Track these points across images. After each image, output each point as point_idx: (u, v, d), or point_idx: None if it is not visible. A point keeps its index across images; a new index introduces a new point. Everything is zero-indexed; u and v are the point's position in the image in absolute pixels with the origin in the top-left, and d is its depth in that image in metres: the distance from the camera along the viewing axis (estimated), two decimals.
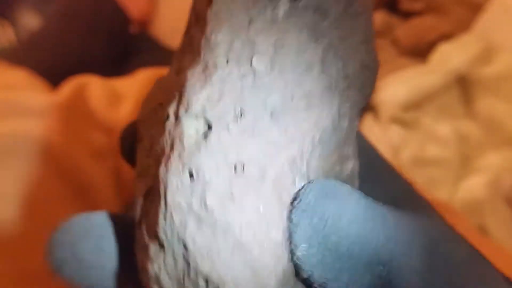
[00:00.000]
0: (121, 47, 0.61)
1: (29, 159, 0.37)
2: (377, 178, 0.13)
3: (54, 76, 0.50)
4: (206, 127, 0.10)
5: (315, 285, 0.10)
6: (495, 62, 0.48)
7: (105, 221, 0.12)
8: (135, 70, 0.57)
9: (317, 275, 0.10)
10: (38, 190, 0.35)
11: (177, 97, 0.11)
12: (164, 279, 0.10)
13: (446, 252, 0.10)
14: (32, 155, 0.37)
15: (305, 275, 0.10)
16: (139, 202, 0.11)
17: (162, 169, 0.10)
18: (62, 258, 0.11)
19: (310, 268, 0.10)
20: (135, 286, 0.11)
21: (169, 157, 0.10)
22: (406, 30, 0.56)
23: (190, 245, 0.10)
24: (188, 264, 0.10)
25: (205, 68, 0.11)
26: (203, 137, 0.10)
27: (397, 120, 0.48)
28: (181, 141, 0.10)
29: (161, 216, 0.10)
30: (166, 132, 0.11)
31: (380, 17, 0.57)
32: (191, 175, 0.10)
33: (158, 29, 0.66)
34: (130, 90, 0.44)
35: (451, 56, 0.49)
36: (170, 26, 0.66)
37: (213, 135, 0.10)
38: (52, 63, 0.54)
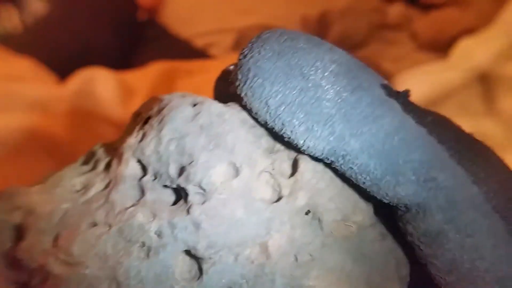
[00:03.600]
0: (129, 34, 0.59)
1: (34, 154, 0.36)
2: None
3: (60, 63, 0.49)
4: None
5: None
6: None
7: None
8: (143, 59, 0.56)
9: None
10: None
11: None
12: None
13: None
14: (37, 149, 0.37)
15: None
16: None
17: None
18: None
19: None
20: None
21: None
22: (425, 23, 0.53)
23: None
24: None
25: None
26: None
27: None
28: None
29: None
30: None
31: (398, 9, 0.55)
32: None
33: (167, 16, 0.65)
34: (142, 83, 0.43)
35: (473, 52, 0.47)
36: (179, 13, 0.64)
37: None
38: (58, 50, 0.53)
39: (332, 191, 0.13)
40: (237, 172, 0.12)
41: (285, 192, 0.12)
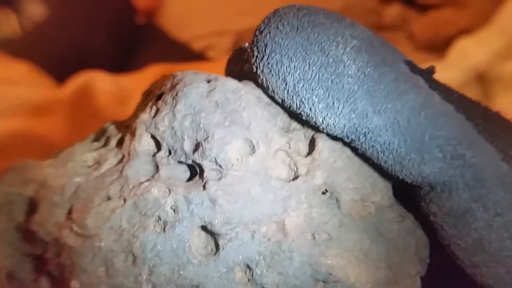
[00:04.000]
0: (127, 37, 0.60)
1: (32, 157, 0.36)
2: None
3: (58, 67, 0.49)
4: None
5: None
6: None
7: None
8: (141, 61, 0.56)
9: None
10: None
11: None
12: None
13: None
14: (35, 152, 0.37)
15: None
16: None
17: None
18: None
19: None
20: None
21: None
22: (422, 24, 0.54)
23: None
24: None
25: None
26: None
27: None
28: None
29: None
30: None
31: (395, 10, 0.55)
32: None
33: (165, 19, 0.65)
34: (139, 86, 0.43)
35: (470, 52, 0.47)
36: (177, 16, 0.64)
37: None
38: (56, 53, 0.53)
39: (350, 170, 0.12)
40: (253, 149, 0.12)
41: (302, 171, 0.12)
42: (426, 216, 0.12)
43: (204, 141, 0.12)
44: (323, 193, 0.12)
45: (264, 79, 0.12)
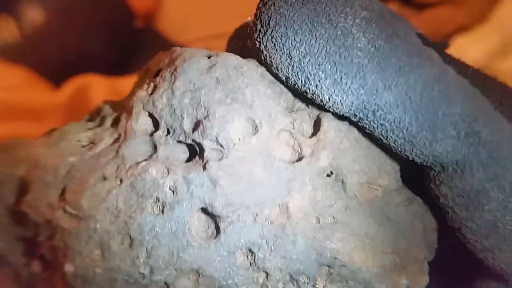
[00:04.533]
0: (125, 41, 0.60)
1: None
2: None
3: (57, 72, 0.49)
4: None
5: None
6: None
7: None
8: (139, 65, 0.56)
9: None
10: None
11: None
12: None
13: None
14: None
15: None
16: None
17: None
18: None
19: None
20: None
21: None
22: (420, 22, 0.53)
23: None
24: None
25: None
26: None
27: None
28: None
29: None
30: None
31: (392, 9, 0.55)
32: None
33: (163, 23, 0.65)
34: None
35: (467, 50, 0.47)
36: (175, 19, 0.64)
37: None
38: (55, 59, 0.54)
39: (356, 151, 0.12)
40: (255, 129, 0.12)
41: (306, 152, 0.12)
42: (436, 199, 0.12)
43: (205, 119, 0.12)
44: (328, 175, 0.12)
45: (267, 55, 0.12)
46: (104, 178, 0.12)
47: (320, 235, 0.11)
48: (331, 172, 0.12)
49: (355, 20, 0.11)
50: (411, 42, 0.11)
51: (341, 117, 0.12)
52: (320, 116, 0.12)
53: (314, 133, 0.12)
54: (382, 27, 0.11)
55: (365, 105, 0.11)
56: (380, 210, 0.12)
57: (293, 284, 0.12)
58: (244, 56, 0.13)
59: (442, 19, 0.53)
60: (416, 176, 0.12)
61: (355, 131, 0.12)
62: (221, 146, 0.11)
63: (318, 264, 0.12)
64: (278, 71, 0.12)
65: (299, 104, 0.13)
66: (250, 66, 0.12)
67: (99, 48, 0.58)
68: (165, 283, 0.11)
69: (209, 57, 0.12)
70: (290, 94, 0.12)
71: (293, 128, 0.12)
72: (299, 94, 0.12)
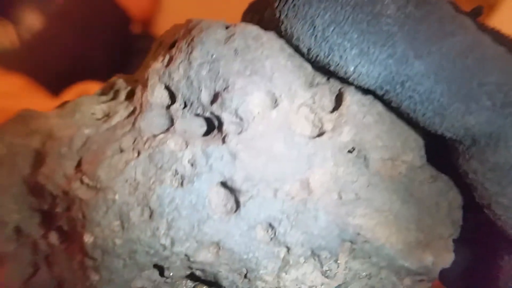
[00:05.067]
0: (123, 46, 0.60)
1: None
2: None
3: (54, 79, 0.50)
4: None
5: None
6: None
7: None
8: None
9: None
10: None
11: None
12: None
13: None
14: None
15: None
16: None
17: None
18: None
19: None
20: None
21: None
22: None
23: None
24: None
25: None
26: None
27: None
28: None
29: None
30: None
31: None
32: None
33: (160, 28, 0.65)
34: None
35: None
36: (172, 25, 0.64)
37: None
38: (52, 65, 0.54)
39: (380, 127, 0.12)
40: (275, 102, 0.11)
41: (327, 127, 0.12)
42: (464, 175, 0.11)
43: (224, 91, 0.11)
44: (350, 151, 0.12)
45: (288, 25, 0.11)
46: (121, 150, 0.12)
47: (342, 210, 0.11)
48: (353, 148, 0.12)
49: None
50: (443, 8, 0.10)
51: (364, 91, 0.12)
52: (342, 90, 0.12)
53: (335, 108, 0.12)
54: None
55: (393, 76, 0.10)
56: (404, 187, 0.12)
57: (315, 260, 0.11)
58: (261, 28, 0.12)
59: None
60: (441, 153, 0.12)
61: (378, 105, 0.12)
62: (241, 119, 0.11)
63: (341, 240, 0.11)
64: (299, 42, 0.11)
65: (320, 78, 0.12)
66: (270, 37, 0.12)
67: (96, 53, 0.58)
68: (186, 255, 0.11)
69: (227, 28, 0.12)
70: (310, 68, 0.12)
71: (314, 102, 0.12)
72: (320, 68, 0.12)
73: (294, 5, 0.11)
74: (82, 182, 0.11)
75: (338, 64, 0.11)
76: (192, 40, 0.12)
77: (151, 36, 0.66)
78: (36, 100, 0.44)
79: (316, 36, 0.11)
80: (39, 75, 0.49)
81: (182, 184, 0.11)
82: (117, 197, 0.11)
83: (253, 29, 0.12)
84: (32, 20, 0.67)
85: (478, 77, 0.10)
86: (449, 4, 0.11)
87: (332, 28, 0.10)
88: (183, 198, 0.11)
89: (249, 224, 0.11)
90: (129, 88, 0.13)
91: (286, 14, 0.11)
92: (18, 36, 0.66)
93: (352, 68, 0.11)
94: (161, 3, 0.67)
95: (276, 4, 0.11)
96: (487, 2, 0.53)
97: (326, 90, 0.12)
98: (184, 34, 0.12)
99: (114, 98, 0.13)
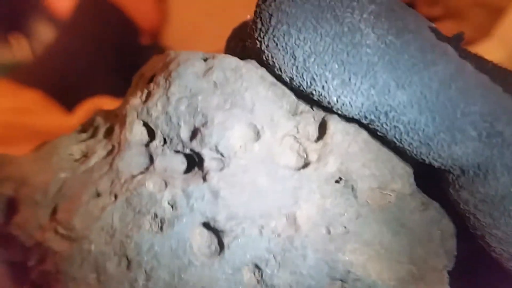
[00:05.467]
0: (132, 58, 0.61)
1: None
2: None
3: (66, 92, 0.50)
4: None
5: None
6: None
7: None
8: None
9: None
10: None
11: None
12: None
13: None
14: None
15: None
16: None
17: None
18: None
19: None
20: None
21: None
22: None
23: None
24: None
25: None
26: None
27: None
28: None
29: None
30: None
31: None
32: None
33: (168, 39, 0.66)
34: None
35: None
36: (180, 35, 0.65)
37: None
38: (64, 79, 0.55)
39: (366, 155, 0.11)
40: (257, 135, 0.11)
41: (312, 157, 0.11)
42: (456, 204, 0.11)
43: (203, 126, 0.11)
44: (337, 181, 0.11)
45: (269, 55, 0.11)
46: (98, 195, 0.11)
47: (331, 247, 0.11)
48: (340, 178, 0.11)
49: (363, 15, 0.10)
50: (424, 36, 0.10)
51: (348, 119, 0.12)
52: (325, 118, 0.12)
53: (320, 137, 0.12)
54: (391, 21, 0.10)
55: (376, 106, 0.10)
56: (394, 216, 0.12)
57: None
58: (244, 57, 0.12)
59: (446, 33, 0.53)
60: (431, 180, 0.12)
61: (364, 133, 0.12)
62: (222, 155, 0.11)
63: (331, 279, 0.11)
64: (281, 72, 0.11)
65: (303, 107, 0.12)
66: (249, 68, 0.12)
67: (104, 66, 0.59)
68: None
69: (205, 60, 0.12)
70: (293, 96, 0.12)
71: (298, 132, 0.12)
72: (303, 96, 0.12)
73: (274, 35, 0.11)
74: (56, 232, 0.11)
75: (321, 94, 0.11)
76: (169, 74, 0.12)
77: (159, 47, 0.67)
78: (50, 115, 0.45)
79: (297, 66, 0.11)
80: (52, 89, 0.50)
81: (161, 228, 0.11)
82: (93, 247, 0.11)
83: (232, 61, 0.12)
84: (45, 34, 0.68)
85: (462, 106, 0.10)
86: (430, 30, 0.11)
87: (312, 59, 0.10)
88: (163, 244, 0.10)
89: (234, 266, 0.11)
90: (108, 124, 0.13)
91: (267, 45, 0.11)
92: (31, 50, 0.68)
93: (335, 99, 0.11)
94: (168, 14, 0.67)
95: (256, 35, 0.11)
96: (498, 5, 0.53)
97: (310, 119, 0.12)
98: (162, 68, 0.12)
99: (93, 135, 0.13)
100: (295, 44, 0.10)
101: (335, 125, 0.12)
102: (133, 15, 0.59)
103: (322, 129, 0.12)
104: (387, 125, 0.11)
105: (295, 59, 0.11)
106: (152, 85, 0.12)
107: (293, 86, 0.11)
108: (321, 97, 0.11)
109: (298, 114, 0.12)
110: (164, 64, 0.12)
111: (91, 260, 0.10)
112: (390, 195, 0.12)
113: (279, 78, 0.12)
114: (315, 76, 0.11)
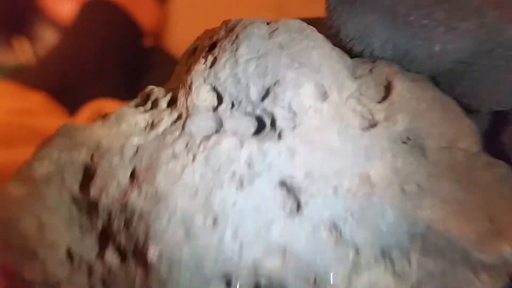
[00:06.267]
0: (135, 60, 0.61)
1: None
2: None
3: (70, 94, 0.51)
4: None
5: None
6: None
7: None
8: (149, 85, 0.57)
9: None
10: None
11: None
12: None
13: None
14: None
15: None
16: None
17: None
18: None
19: None
20: None
21: None
22: None
23: None
24: None
25: None
26: None
27: None
28: None
29: None
30: None
31: None
32: None
33: (170, 42, 0.66)
34: None
35: None
36: (182, 38, 0.65)
37: None
38: (68, 81, 0.55)
39: (434, 114, 0.11)
40: (325, 95, 0.11)
41: (379, 117, 0.11)
42: None
43: (275, 85, 0.11)
44: (404, 142, 0.11)
45: (359, 19, 0.11)
46: (175, 156, 0.11)
47: (408, 204, 0.11)
48: (408, 138, 0.11)
49: None
50: None
51: (414, 78, 0.11)
52: (389, 79, 0.12)
53: (384, 98, 0.12)
54: None
55: (482, 46, 0.10)
56: (464, 175, 0.11)
57: (386, 260, 0.11)
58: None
59: None
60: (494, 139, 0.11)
61: (430, 90, 0.11)
62: (294, 113, 0.11)
63: (410, 236, 0.11)
64: (368, 33, 0.11)
65: (361, 71, 0.12)
66: (313, 29, 0.12)
67: (108, 68, 0.59)
68: (254, 261, 0.10)
69: (268, 24, 0.12)
70: (350, 60, 0.12)
71: (360, 94, 0.12)
72: (362, 63, 0.12)
73: None
74: (140, 192, 0.11)
75: (420, 46, 0.10)
76: (237, 37, 0.12)
77: (161, 50, 0.67)
78: (53, 117, 0.45)
79: (397, 22, 0.10)
80: (55, 91, 0.50)
81: (242, 185, 0.11)
82: (179, 203, 0.10)
83: (296, 23, 0.12)
84: (49, 36, 0.68)
85: None
86: None
87: (416, 11, 0.10)
88: (246, 200, 0.10)
89: (314, 224, 0.10)
90: (169, 95, 0.13)
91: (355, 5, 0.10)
92: (34, 53, 0.68)
93: (438, 48, 0.10)
94: (169, 16, 0.68)
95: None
96: None
97: (371, 81, 0.12)
98: (226, 33, 0.12)
99: (154, 107, 0.13)
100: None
101: (401, 83, 0.11)
102: (137, 17, 0.59)
103: (387, 89, 0.12)
104: (489, 64, 0.10)
105: (395, 15, 0.10)
106: (217, 50, 0.12)
107: (383, 48, 0.11)
108: (419, 49, 0.10)
109: (358, 77, 0.12)
110: (228, 29, 0.12)
111: (178, 217, 0.10)
112: (458, 153, 0.11)
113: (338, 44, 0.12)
114: (418, 29, 0.10)
